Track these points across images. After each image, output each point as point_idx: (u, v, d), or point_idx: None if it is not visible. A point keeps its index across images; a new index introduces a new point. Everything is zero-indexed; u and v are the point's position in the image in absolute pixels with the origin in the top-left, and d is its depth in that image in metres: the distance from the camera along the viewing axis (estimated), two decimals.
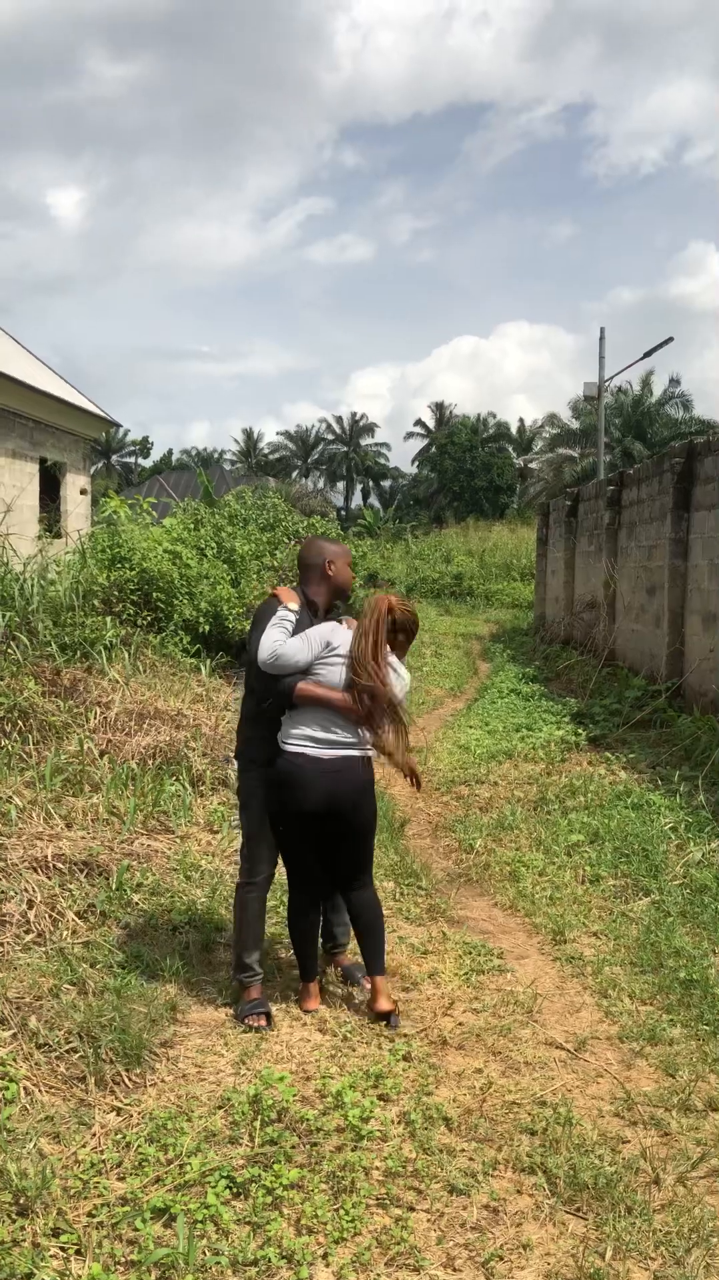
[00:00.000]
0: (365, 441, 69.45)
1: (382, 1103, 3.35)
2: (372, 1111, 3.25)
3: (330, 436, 70.25)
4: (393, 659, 4.06)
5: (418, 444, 65.33)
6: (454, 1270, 2.61)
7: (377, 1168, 3.01)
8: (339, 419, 70.58)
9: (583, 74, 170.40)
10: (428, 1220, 2.80)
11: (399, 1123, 3.25)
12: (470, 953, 4.72)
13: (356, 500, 68.28)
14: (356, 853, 4.11)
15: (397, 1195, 2.89)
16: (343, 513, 59.79)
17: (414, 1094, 3.43)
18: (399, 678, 4.05)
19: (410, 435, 66.25)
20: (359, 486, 69.97)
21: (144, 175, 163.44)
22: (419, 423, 66.42)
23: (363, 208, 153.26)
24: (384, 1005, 3.99)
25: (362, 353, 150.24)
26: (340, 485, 69.26)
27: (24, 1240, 2.60)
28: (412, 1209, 2.84)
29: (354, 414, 70.47)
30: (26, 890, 4.68)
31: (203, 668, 10.39)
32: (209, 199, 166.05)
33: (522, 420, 63.36)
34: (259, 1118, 3.20)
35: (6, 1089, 3.28)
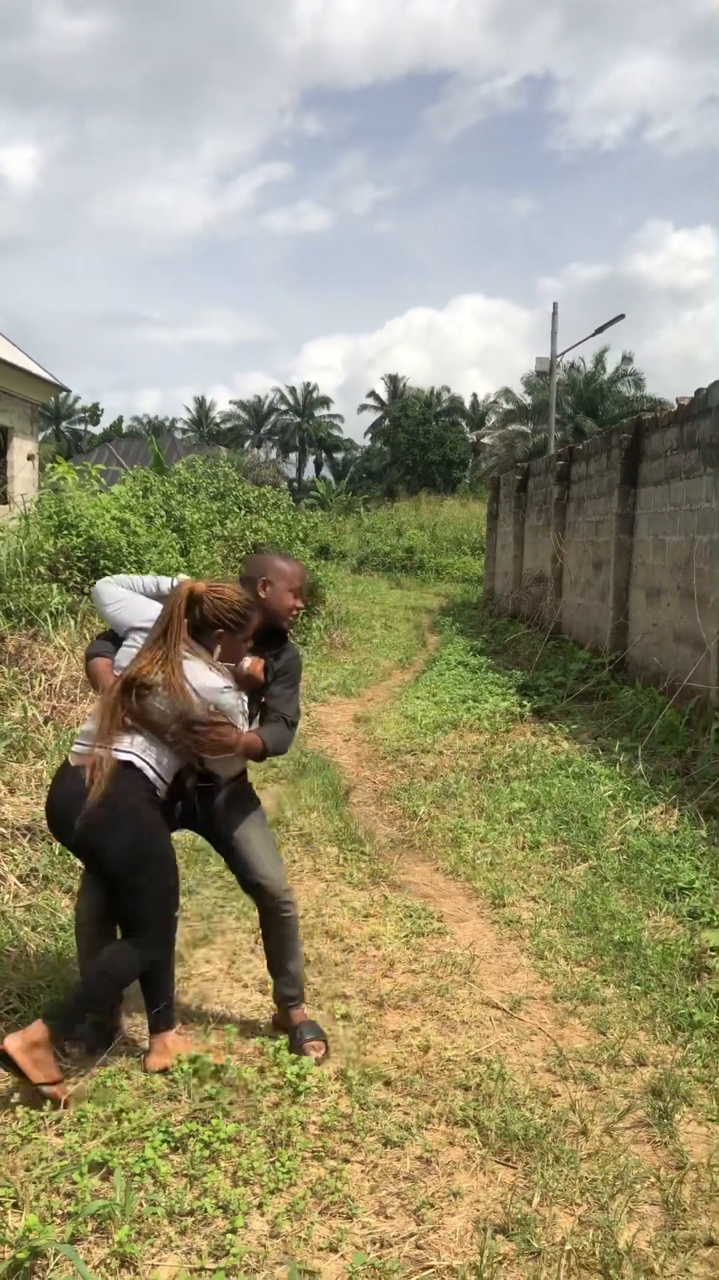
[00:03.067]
0: (319, 413, 69.09)
1: (319, 1060, 3.41)
2: (309, 1069, 3.31)
3: (284, 407, 69.78)
4: (197, 669, 3.21)
5: (371, 416, 65.16)
6: (386, 1217, 2.68)
7: (313, 1122, 3.07)
8: (292, 389, 70.12)
9: (545, 47, 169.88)
10: (362, 1171, 2.87)
11: (336, 1079, 3.32)
12: (411, 916, 4.80)
13: (309, 472, 68.01)
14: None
15: (332, 1148, 2.95)
16: (295, 484, 59.53)
17: (352, 1052, 3.49)
18: (217, 691, 3.22)
19: (364, 408, 66.05)
20: (312, 458, 69.67)
21: (99, 136, 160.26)
22: (373, 395, 66.24)
23: (322, 176, 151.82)
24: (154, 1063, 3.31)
25: (315, 323, 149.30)
26: (293, 457, 68.93)
27: None
28: (346, 1161, 2.90)
29: (308, 385, 70.04)
30: None
31: None
32: (166, 162, 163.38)
33: (475, 395, 63.41)
34: (198, 1075, 3.24)
35: None
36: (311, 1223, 2.62)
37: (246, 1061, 3.37)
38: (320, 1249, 2.55)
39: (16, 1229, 2.49)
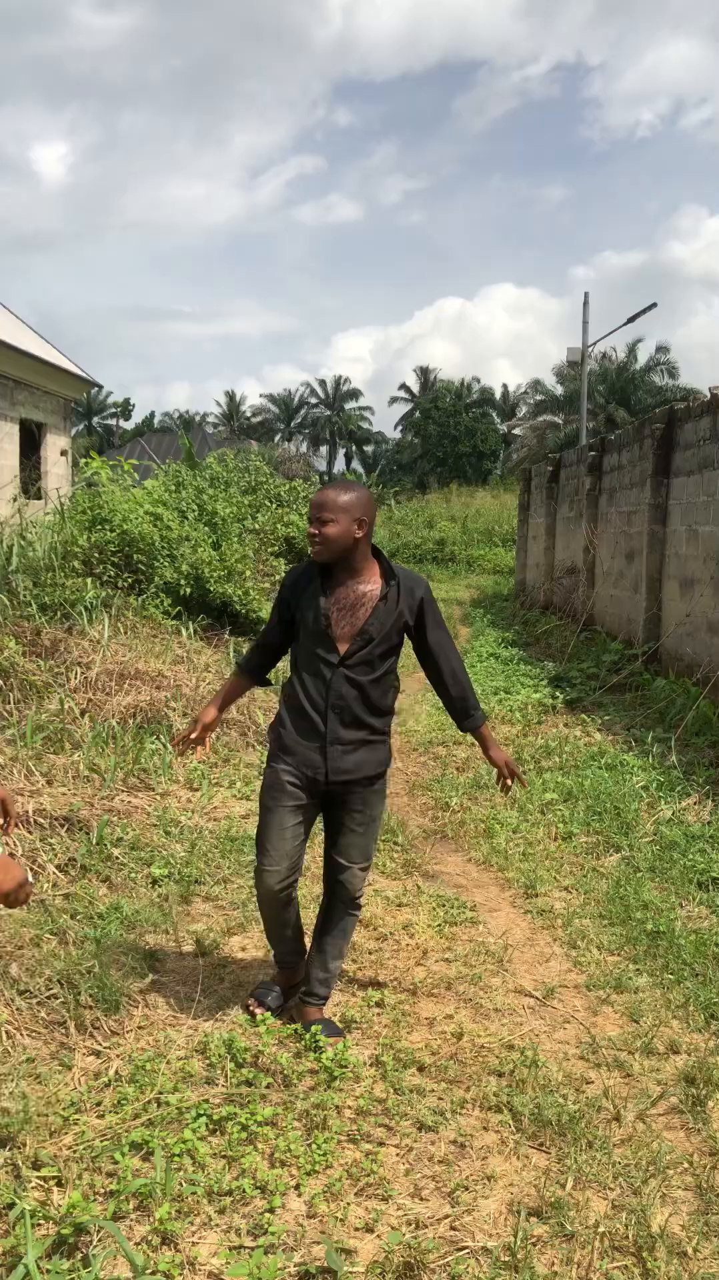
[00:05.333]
0: (349, 405, 69.10)
1: (355, 1046, 3.46)
2: (345, 1055, 3.35)
3: (314, 400, 69.86)
4: None
5: (401, 408, 65.13)
6: (421, 1199, 2.72)
7: (348, 1106, 3.11)
8: (323, 382, 70.20)
9: (578, 33, 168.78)
10: (397, 1154, 2.91)
11: (371, 1065, 3.36)
12: (444, 905, 4.83)
13: (339, 465, 68.04)
14: None
15: (367, 1131, 2.99)
16: (325, 477, 59.58)
17: (387, 1038, 3.53)
18: None
19: (395, 400, 66.03)
20: (342, 451, 69.71)
21: (130, 130, 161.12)
22: (404, 387, 66.21)
23: (353, 167, 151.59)
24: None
25: (344, 315, 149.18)
26: (323, 450, 68.97)
27: (5, 1171, 2.68)
28: (381, 1144, 2.95)
29: (338, 377, 70.11)
30: (8, 844, 4.74)
31: (183, 630, 10.42)
32: (196, 156, 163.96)
33: (505, 386, 63.28)
34: (235, 1059, 3.29)
35: None
36: (348, 1203, 2.67)
37: (283, 1047, 3.42)
38: (356, 1229, 2.59)
39: (60, 1206, 2.56)
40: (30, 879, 2.39)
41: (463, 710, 3.66)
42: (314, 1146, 2.88)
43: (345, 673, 3.41)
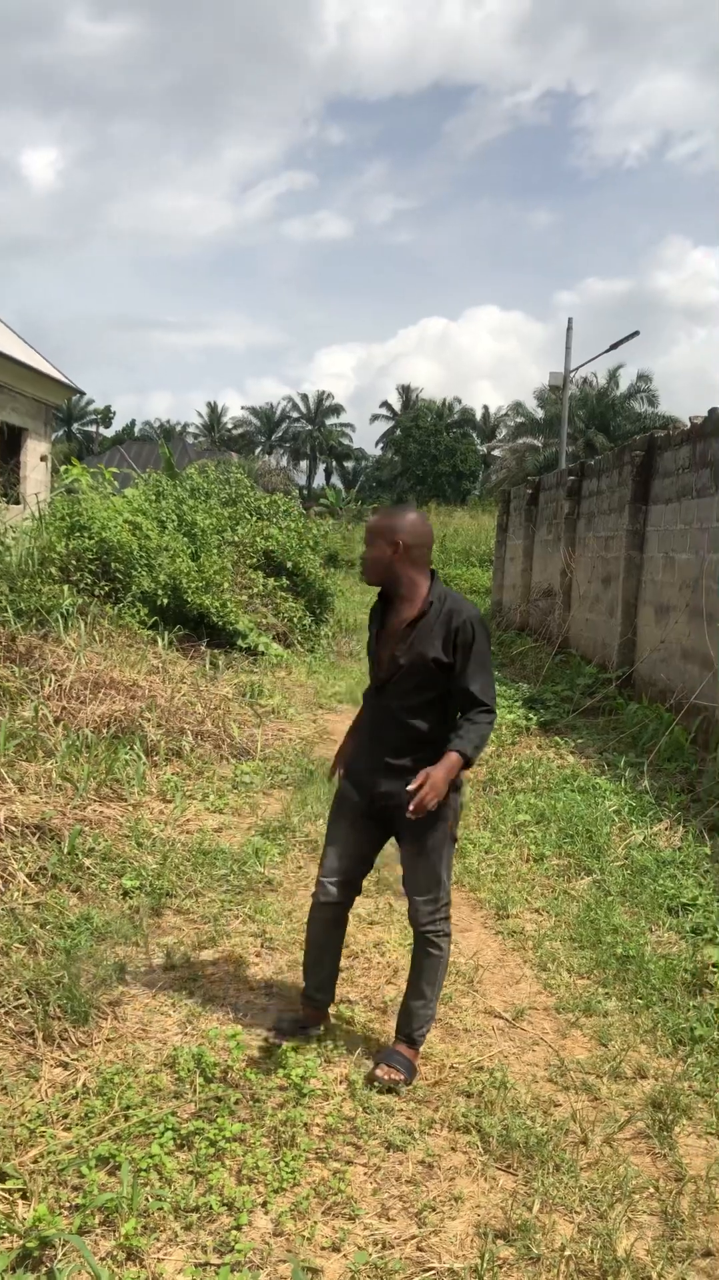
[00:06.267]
0: (330, 421, 69.28)
1: (324, 1064, 3.45)
2: (314, 1072, 3.35)
3: (296, 414, 69.99)
4: None
5: (383, 425, 65.36)
6: (388, 1219, 2.71)
7: (317, 1124, 3.11)
8: (304, 397, 70.36)
9: (570, 62, 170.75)
10: (364, 1173, 2.90)
11: (340, 1083, 3.35)
12: None
13: (319, 480, 68.16)
14: None
15: (335, 1150, 2.98)
16: (305, 492, 59.63)
17: (356, 1056, 3.53)
18: None
19: (376, 417, 66.28)
20: (322, 466, 69.84)
21: (122, 139, 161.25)
22: (385, 404, 66.49)
23: (343, 185, 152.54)
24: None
25: (328, 330, 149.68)
26: (303, 464, 69.08)
27: None
28: (349, 1163, 2.94)
29: (320, 393, 70.25)
30: None
31: (160, 640, 10.39)
32: (187, 167, 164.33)
33: (486, 407, 63.64)
34: (203, 1074, 3.28)
35: None
36: (315, 1222, 2.66)
37: (252, 1064, 3.41)
38: (323, 1248, 2.58)
39: (25, 1219, 2.54)
40: None
41: (460, 743, 3.26)
42: (282, 1164, 2.87)
43: (384, 700, 3.42)
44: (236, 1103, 3.15)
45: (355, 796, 3.53)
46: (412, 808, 3.18)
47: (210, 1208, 2.66)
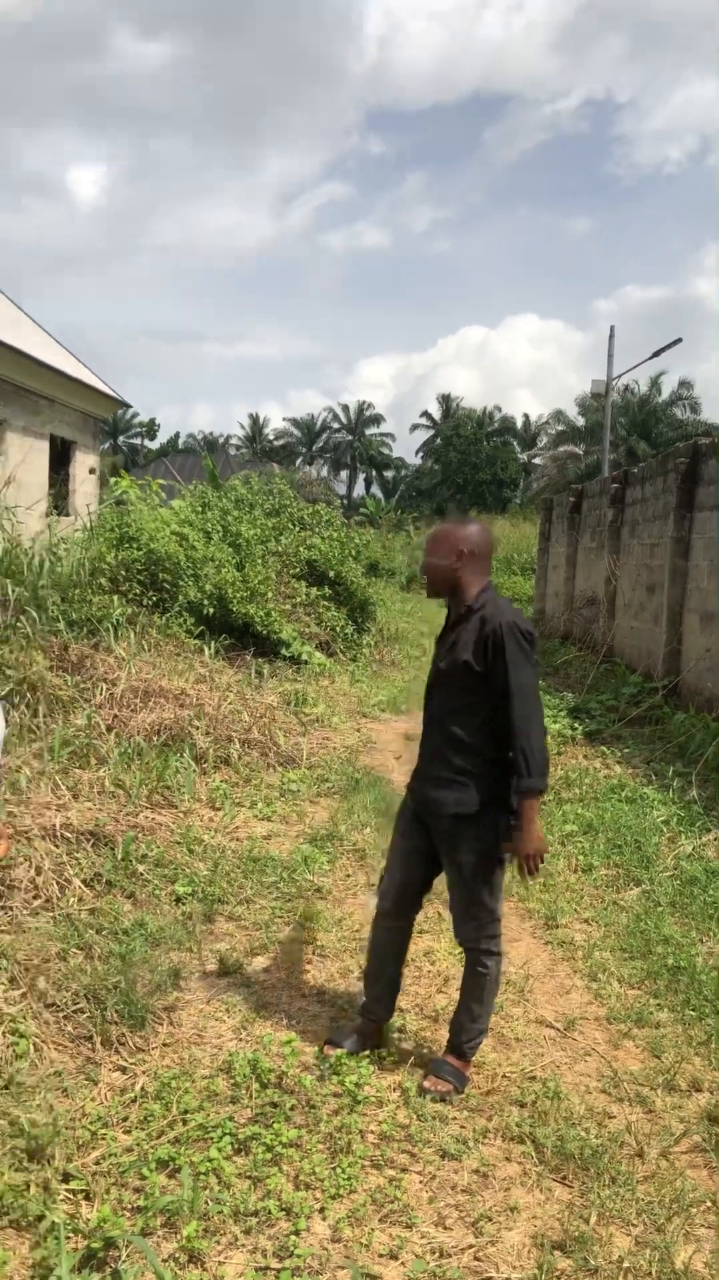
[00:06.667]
0: (370, 431, 69.42)
1: (377, 1071, 3.47)
2: (368, 1079, 3.37)
3: (336, 425, 70.24)
4: None
5: (423, 435, 65.35)
6: (445, 1228, 2.73)
7: (372, 1131, 3.13)
8: (345, 408, 70.57)
9: (609, 70, 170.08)
10: (420, 1182, 2.92)
11: (394, 1090, 3.37)
12: None
13: (359, 490, 68.30)
14: None
15: (391, 1157, 3.01)
16: (345, 502, 59.80)
17: (409, 1065, 3.55)
18: None
19: (416, 426, 66.26)
20: (362, 476, 69.97)
21: (165, 155, 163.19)
22: (425, 414, 66.45)
23: (382, 195, 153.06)
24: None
25: (368, 341, 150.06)
26: (344, 474, 69.27)
27: (35, 1184, 2.71)
28: (405, 1170, 2.96)
29: (361, 403, 70.43)
30: (34, 857, 4.79)
31: (206, 649, 10.48)
32: (229, 181, 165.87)
33: (526, 415, 63.48)
34: (259, 1080, 3.32)
35: (17, 1044, 3.40)
36: (372, 1229, 2.68)
37: (306, 1070, 3.44)
38: (381, 1255, 2.61)
39: (89, 1220, 2.59)
40: None
41: (516, 769, 3.25)
42: (338, 1170, 2.90)
43: (431, 706, 3.48)
44: (292, 1108, 3.18)
45: (410, 803, 3.57)
46: (529, 872, 3.32)
47: (269, 1212, 2.70)
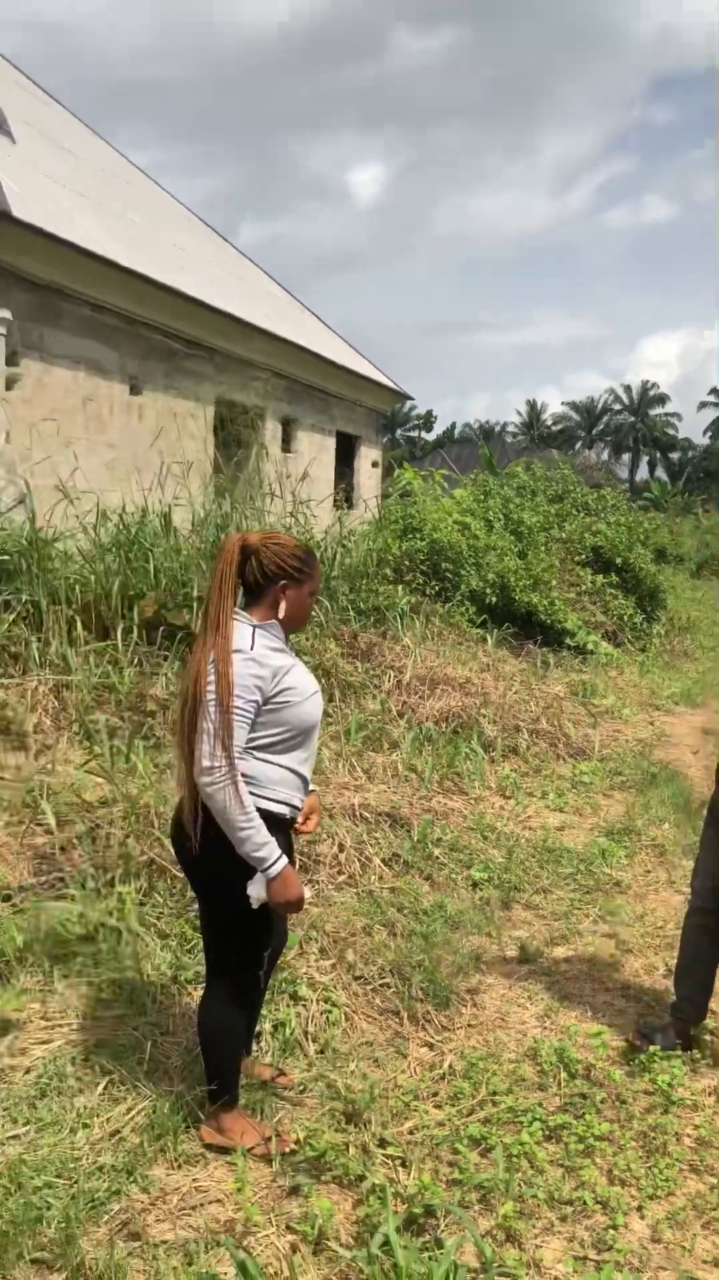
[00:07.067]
0: (654, 411, 66.85)
1: (691, 1073, 3.35)
2: (681, 1080, 3.26)
3: (617, 407, 68.22)
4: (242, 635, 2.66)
5: (711, 413, 62.15)
6: None
7: (688, 1135, 3.02)
8: (628, 388, 68.45)
9: None
10: None
11: (709, 1095, 3.24)
12: None
13: (642, 473, 65.96)
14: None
15: (710, 1164, 2.89)
16: (628, 486, 58.00)
17: None
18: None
19: (704, 404, 63.16)
20: (645, 458, 67.52)
21: (442, 146, 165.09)
22: (715, 391, 63.10)
23: (668, 165, 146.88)
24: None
25: (651, 319, 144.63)
26: (625, 457, 67.16)
27: (354, 1146, 2.84)
28: None
29: (644, 383, 68.09)
30: (337, 835, 5.00)
31: (489, 638, 10.51)
32: (506, 167, 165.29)
33: None
34: (566, 1069, 3.29)
35: (330, 1012, 3.56)
36: (694, 1234, 2.59)
37: (615, 1064, 3.37)
38: (704, 1262, 2.51)
39: (406, 1186, 2.67)
40: (306, 895, 2.69)
41: None
42: (654, 1170, 2.82)
43: None
44: (602, 1102, 3.13)
45: None
46: None
47: (584, 1203, 2.67)
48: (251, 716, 2.61)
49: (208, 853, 2.64)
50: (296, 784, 2.77)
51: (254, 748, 2.65)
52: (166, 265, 13.16)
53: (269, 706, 2.64)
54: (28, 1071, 3.10)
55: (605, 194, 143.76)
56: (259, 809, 2.62)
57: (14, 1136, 2.79)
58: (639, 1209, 2.68)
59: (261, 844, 2.56)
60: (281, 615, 2.74)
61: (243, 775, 2.59)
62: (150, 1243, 2.44)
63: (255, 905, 2.60)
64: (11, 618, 6.06)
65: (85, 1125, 2.83)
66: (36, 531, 6.80)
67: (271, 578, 2.72)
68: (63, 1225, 2.43)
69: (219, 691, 2.53)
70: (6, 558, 6.53)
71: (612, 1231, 2.57)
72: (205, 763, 2.53)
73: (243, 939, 2.75)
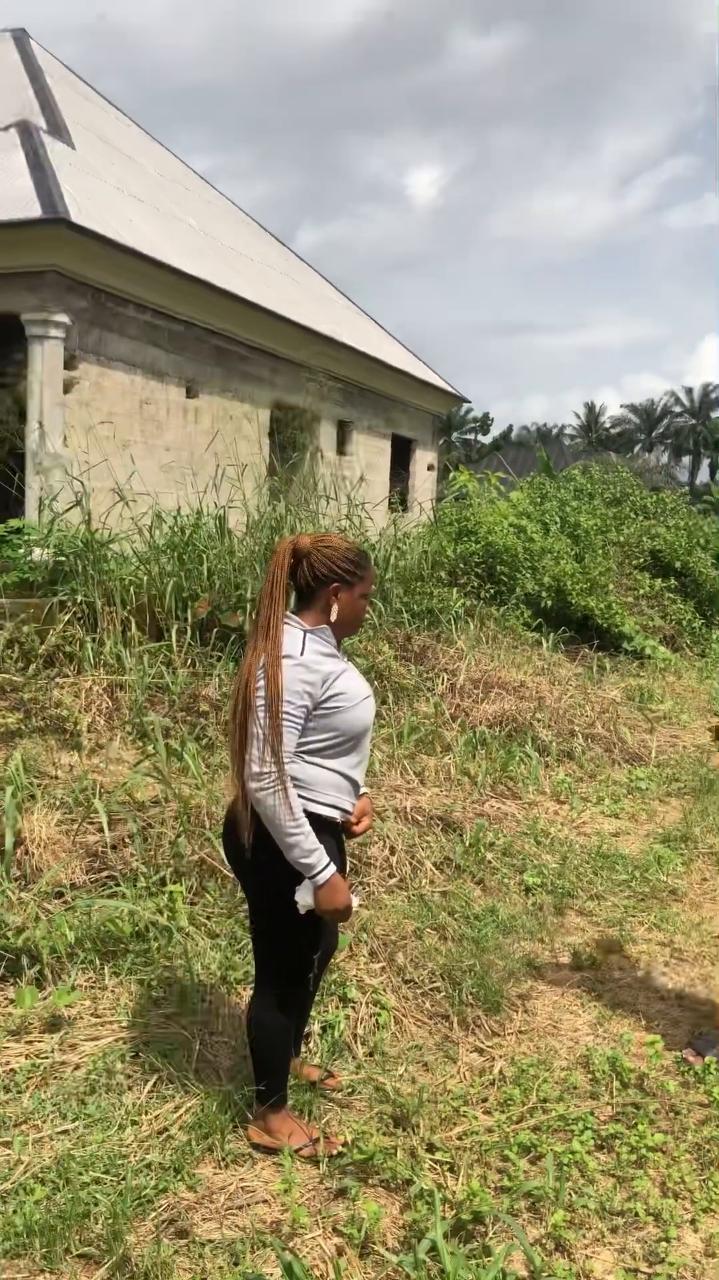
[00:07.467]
0: (716, 414, 65.84)
1: None
2: None
3: (678, 409, 67.32)
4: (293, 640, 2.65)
5: None
6: None
7: None
8: (688, 390, 67.50)
9: None
10: None
11: None
12: None
13: (703, 476, 65.00)
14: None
15: None
16: (688, 489, 57.17)
17: None
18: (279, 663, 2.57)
19: None
20: (706, 461, 66.51)
21: (501, 148, 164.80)
22: None
23: None
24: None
25: (713, 319, 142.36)
26: (686, 460, 66.23)
27: (403, 1150, 2.81)
28: None
29: (706, 384, 67.03)
30: (389, 837, 4.98)
31: (544, 642, 10.42)
32: (566, 168, 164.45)
33: None
34: (619, 1078, 3.23)
35: (379, 1015, 3.55)
36: None
37: (669, 1075, 3.31)
38: None
39: (455, 1192, 2.64)
40: (354, 904, 2.65)
41: None
42: (709, 1183, 2.76)
43: None
44: (655, 1112, 3.07)
45: None
46: None
47: (636, 1214, 2.62)
48: (301, 722, 2.60)
49: (258, 857, 2.63)
50: (347, 788, 2.76)
51: (305, 752, 2.65)
52: (224, 270, 13.28)
53: (319, 712, 2.63)
54: (77, 1068, 3.12)
55: (667, 194, 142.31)
56: (309, 812, 2.61)
57: (63, 1132, 2.81)
58: (693, 1222, 2.62)
59: (310, 850, 2.55)
60: (334, 618, 2.73)
61: (293, 779, 2.58)
62: (197, 1241, 2.45)
63: (303, 911, 2.59)
64: (67, 618, 6.14)
65: (134, 1122, 2.85)
66: (93, 533, 6.89)
67: (323, 580, 2.71)
68: (109, 1221, 2.44)
69: (269, 697, 2.53)
70: (63, 559, 6.63)
71: (664, 1244, 2.51)
72: (255, 768, 2.53)
73: (291, 943, 2.75)
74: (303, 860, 2.54)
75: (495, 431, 70.82)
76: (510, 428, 71.44)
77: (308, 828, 2.55)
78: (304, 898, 2.58)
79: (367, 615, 3.19)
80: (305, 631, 2.67)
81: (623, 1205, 2.65)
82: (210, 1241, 2.45)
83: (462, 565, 11.34)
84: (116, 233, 10.52)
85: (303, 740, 2.63)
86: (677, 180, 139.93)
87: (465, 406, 67.48)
